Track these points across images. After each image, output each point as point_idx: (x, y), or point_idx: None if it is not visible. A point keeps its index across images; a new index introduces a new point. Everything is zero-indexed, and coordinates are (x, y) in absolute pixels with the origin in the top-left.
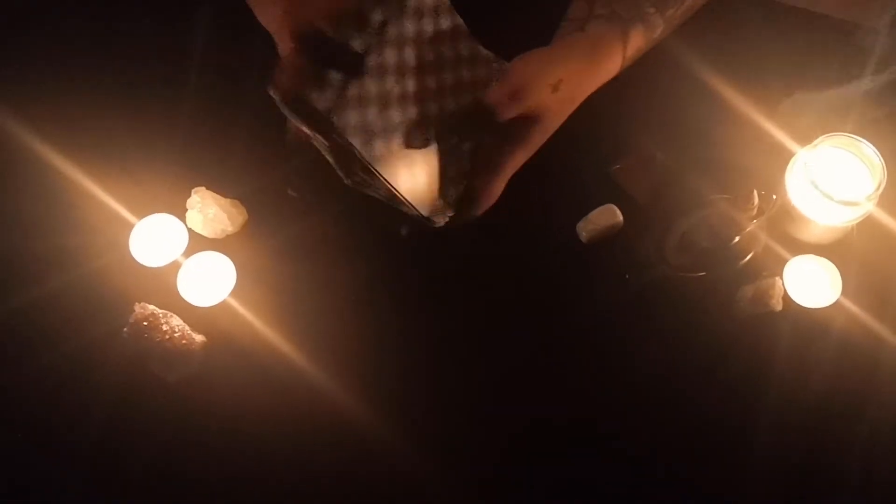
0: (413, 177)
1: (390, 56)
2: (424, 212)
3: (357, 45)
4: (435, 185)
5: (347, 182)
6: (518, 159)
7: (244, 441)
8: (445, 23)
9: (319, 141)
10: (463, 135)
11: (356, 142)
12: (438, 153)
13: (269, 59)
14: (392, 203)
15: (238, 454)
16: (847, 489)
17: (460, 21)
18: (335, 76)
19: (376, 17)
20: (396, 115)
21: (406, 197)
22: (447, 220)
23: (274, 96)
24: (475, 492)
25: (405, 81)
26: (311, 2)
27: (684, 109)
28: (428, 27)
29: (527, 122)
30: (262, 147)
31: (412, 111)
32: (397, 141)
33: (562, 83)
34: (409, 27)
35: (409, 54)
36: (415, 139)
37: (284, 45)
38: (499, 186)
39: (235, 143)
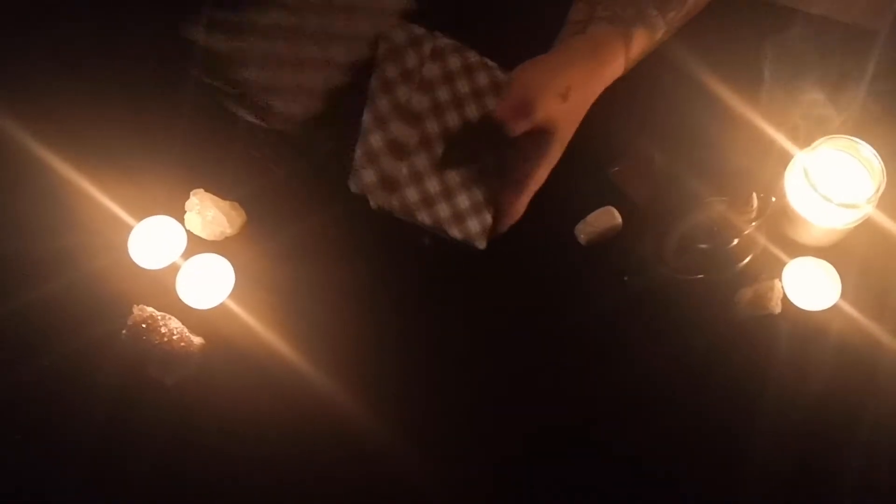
0: (453, 207)
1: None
2: (474, 241)
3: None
4: (472, 209)
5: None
6: (540, 175)
7: (242, 443)
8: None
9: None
10: (479, 155)
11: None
12: (468, 177)
13: None
14: (437, 230)
15: (236, 456)
16: (846, 491)
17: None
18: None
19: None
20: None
21: (451, 231)
22: (486, 240)
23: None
24: (475, 493)
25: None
26: None
27: (683, 112)
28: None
29: (542, 135)
30: (261, 149)
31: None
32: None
33: (570, 91)
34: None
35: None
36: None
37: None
38: (523, 203)
39: (234, 145)
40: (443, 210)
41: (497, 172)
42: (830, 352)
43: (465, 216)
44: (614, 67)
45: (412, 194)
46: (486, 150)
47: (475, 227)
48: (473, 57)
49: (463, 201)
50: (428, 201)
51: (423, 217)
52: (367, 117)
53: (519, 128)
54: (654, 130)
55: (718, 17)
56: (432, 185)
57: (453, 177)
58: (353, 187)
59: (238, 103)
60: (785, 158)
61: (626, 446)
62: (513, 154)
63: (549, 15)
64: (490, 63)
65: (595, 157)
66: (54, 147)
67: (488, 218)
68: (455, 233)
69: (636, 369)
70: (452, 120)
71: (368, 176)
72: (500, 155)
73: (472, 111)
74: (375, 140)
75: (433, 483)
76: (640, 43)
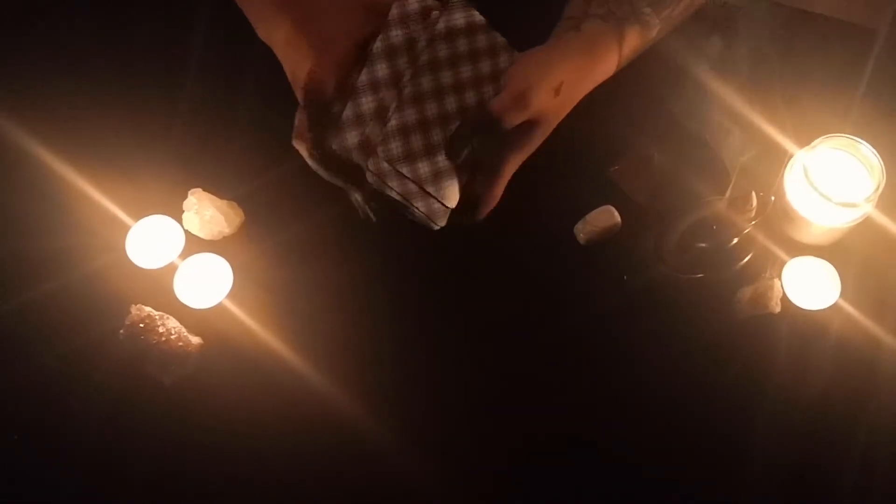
0: (434, 166)
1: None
2: (433, 218)
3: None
4: (450, 190)
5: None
6: (517, 162)
7: (241, 443)
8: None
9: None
10: (472, 145)
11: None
12: (459, 164)
13: (266, 61)
14: (405, 200)
15: (235, 456)
16: (845, 491)
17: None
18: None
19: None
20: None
21: (415, 202)
22: (445, 222)
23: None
24: (474, 494)
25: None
26: (323, 17)
27: (682, 110)
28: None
29: (527, 126)
30: (259, 148)
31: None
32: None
33: (563, 85)
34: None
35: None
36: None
37: (293, 66)
38: (500, 190)
39: (232, 144)
40: (423, 168)
41: (475, 159)
42: (830, 351)
43: (441, 176)
44: (607, 65)
45: (385, 162)
46: (477, 138)
47: (436, 205)
48: (481, 41)
49: (442, 161)
50: (408, 170)
51: (395, 184)
52: (364, 78)
53: (514, 122)
54: (653, 129)
55: (717, 16)
56: (423, 167)
57: (445, 161)
58: (335, 145)
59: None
60: (784, 157)
61: (625, 446)
62: (492, 140)
63: (547, 10)
64: (497, 41)
65: (594, 156)
66: (51, 146)
67: (461, 181)
68: (420, 206)
69: (635, 369)
70: (451, 105)
71: (353, 138)
72: (493, 143)
73: (470, 97)
74: (367, 103)
75: (433, 483)
76: (633, 41)
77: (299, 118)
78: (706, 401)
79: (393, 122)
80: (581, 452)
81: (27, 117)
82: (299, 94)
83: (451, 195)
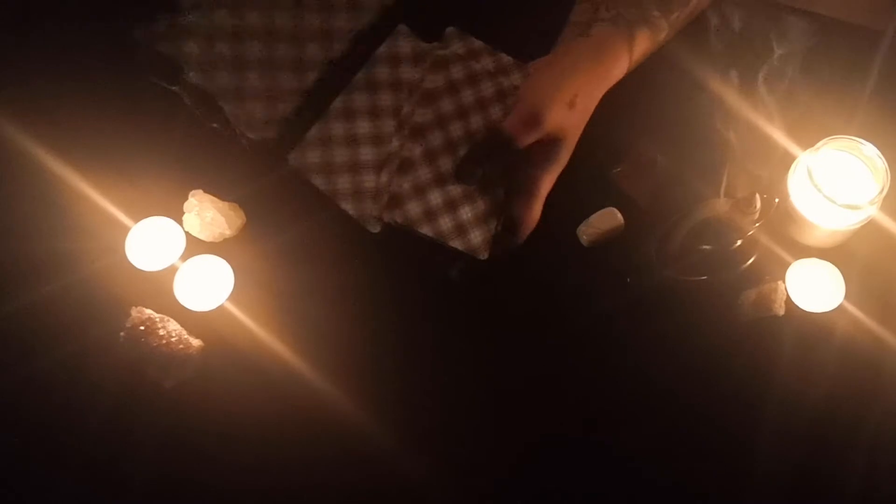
0: (455, 219)
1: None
2: (476, 253)
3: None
4: (475, 221)
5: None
6: (550, 181)
7: (241, 446)
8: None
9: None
10: (486, 166)
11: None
12: (471, 189)
13: None
14: (439, 242)
15: (235, 459)
16: (850, 494)
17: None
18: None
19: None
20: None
21: (452, 243)
22: (488, 251)
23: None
24: (474, 496)
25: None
26: None
27: (685, 112)
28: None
29: (551, 142)
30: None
31: (436, 140)
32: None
33: (577, 98)
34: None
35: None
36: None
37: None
38: (537, 211)
39: (234, 145)
40: (445, 223)
41: (502, 182)
42: (834, 354)
43: (467, 228)
44: (618, 70)
45: (414, 207)
46: (490, 160)
47: (477, 239)
48: (477, 63)
49: (466, 213)
50: (430, 214)
51: (426, 230)
52: (338, 104)
53: (528, 141)
54: (656, 131)
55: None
56: (434, 198)
57: (456, 188)
58: (292, 160)
59: (207, 110)
60: (788, 159)
61: (627, 449)
62: (520, 162)
63: (553, 15)
64: (498, 62)
65: (597, 158)
66: (51, 148)
67: (492, 228)
68: (457, 244)
69: (638, 371)
70: (456, 131)
71: (314, 157)
72: (505, 164)
73: (476, 122)
74: (336, 129)
75: (435, 485)
76: (643, 44)
77: None
78: (710, 404)
79: (406, 186)
80: (584, 455)
81: (27, 119)
82: None
83: (479, 244)
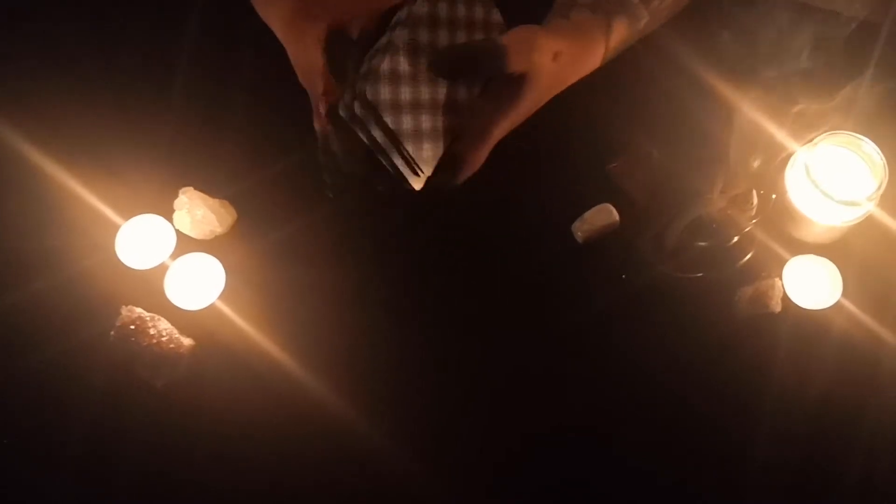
0: (415, 122)
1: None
2: (420, 166)
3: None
4: (431, 133)
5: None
6: (504, 125)
7: (232, 445)
8: None
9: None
10: (467, 78)
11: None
12: (438, 98)
13: (258, 58)
14: (377, 152)
15: (226, 459)
16: (847, 491)
17: None
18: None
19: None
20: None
21: (405, 144)
22: (422, 184)
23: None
24: (471, 495)
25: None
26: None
27: (681, 107)
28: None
29: (520, 84)
30: (251, 146)
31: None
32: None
33: (560, 56)
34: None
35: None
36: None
37: (295, 48)
38: (483, 153)
39: (224, 142)
40: (406, 121)
41: (462, 110)
42: (832, 351)
43: (422, 136)
44: (593, 56)
45: (385, 92)
46: (470, 69)
47: (427, 153)
48: (478, 12)
49: (425, 121)
50: (396, 106)
51: (388, 119)
52: (405, 37)
53: (516, 62)
54: (651, 126)
55: (716, 10)
56: (404, 92)
57: (426, 92)
58: (369, 94)
59: (373, 168)
60: (785, 155)
61: (624, 446)
62: (483, 97)
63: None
64: (493, 18)
65: (592, 153)
66: (40, 145)
67: (440, 152)
68: (409, 148)
69: (635, 368)
70: (442, 38)
71: (385, 93)
72: (472, 91)
73: (461, 37)
74: (403, 65)
75: (429, 484)
76: (621, 33)
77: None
78: (706, 401)
79: (385, 67)
80: (580, 452)
81: (16, 116)
82: (294, 39)
83: (429, 159)
